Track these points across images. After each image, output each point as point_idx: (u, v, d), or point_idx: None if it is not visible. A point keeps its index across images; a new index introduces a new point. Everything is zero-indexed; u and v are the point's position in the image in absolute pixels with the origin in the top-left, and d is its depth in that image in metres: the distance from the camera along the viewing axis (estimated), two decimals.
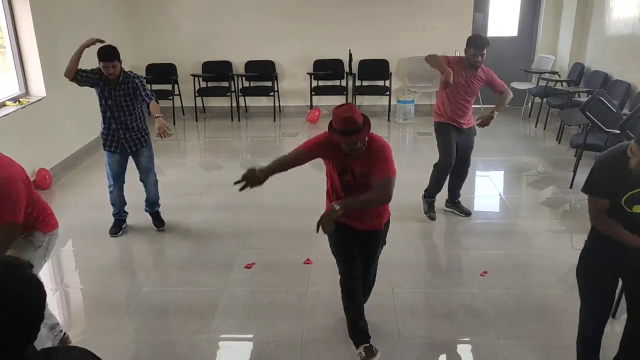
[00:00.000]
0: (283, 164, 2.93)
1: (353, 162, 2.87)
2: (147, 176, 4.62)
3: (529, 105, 8.31)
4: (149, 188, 4.67)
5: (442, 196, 4.99)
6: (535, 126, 7.82)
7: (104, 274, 4.16)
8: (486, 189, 5.87)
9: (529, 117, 8.18)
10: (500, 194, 5.64)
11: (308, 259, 4.17)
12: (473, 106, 4.79)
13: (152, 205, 4.75)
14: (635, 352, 2.78)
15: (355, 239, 3.05)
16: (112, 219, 4.69)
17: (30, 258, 2.88)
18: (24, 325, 1.28)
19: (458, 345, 3.33)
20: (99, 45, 4.23)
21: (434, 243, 4.70)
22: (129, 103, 4.31)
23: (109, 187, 4.60)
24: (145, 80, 4.44)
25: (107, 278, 4.11)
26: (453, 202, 4.99)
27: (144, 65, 8.42)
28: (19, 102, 5.68)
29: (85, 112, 6.67)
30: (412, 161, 6.10)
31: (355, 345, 3.04)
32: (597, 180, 2.50)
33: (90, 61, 4.24)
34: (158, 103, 4.35)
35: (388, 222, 3.14)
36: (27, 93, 5.97)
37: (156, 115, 4.17)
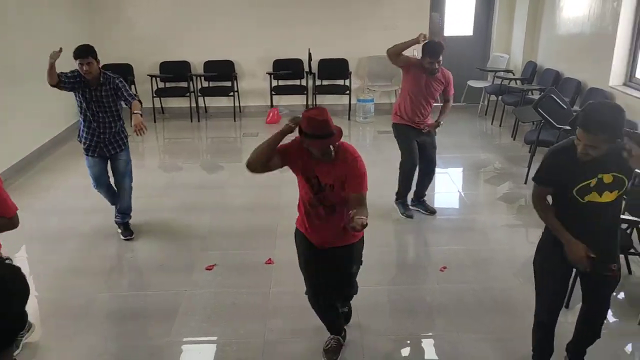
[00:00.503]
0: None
1: (319, 170, 2.72)
2: (123, 180, 4.52)
3: (485, 103, 8.50)
4: (123, 195, 4.56)
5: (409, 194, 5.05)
6: (492, 123, 8.01)
7: (60, 279, 4.05)
8: (445, 186, 5.97)
9: (485, 114, 8.37)
10: (459, 191, 5.75)
11: (270, 259, 4.16)
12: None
13: (123, 215, 4.62)
14: (587, 338, 2.90)
15: (324, 253, 2.88)
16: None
17: None
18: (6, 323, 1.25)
19: (420, 340, 3.38)
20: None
21: (396, 240, 4.75)
22: (111, 104, 4.24)
23: (96, 189, 4.55)
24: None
25: (63, 283, 4.00)
26: (419, 200, 5.06)
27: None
28: None
29: (38, 113, 6.50)
30: (372, 159, 6.10)
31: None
32: (546, 170, 2.61)
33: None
34: (141, 103, 4.31)
35: (362, 239, 2.95)
36: None
37: (135, 112, 4.09)
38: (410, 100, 4.65)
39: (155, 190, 5.66)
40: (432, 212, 4.99)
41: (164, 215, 5.07)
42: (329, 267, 2.91)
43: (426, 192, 5.06)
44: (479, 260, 4.22)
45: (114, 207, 4.64)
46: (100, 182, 4.51)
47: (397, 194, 4.99)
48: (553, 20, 7.44)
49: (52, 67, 4.02)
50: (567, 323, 3.23)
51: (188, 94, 8.28)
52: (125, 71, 8.19)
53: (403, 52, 4.56)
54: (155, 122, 8.31)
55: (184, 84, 8.33)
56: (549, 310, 2.85)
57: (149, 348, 3.26)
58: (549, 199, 2.72)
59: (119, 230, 4.61)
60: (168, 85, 8.42)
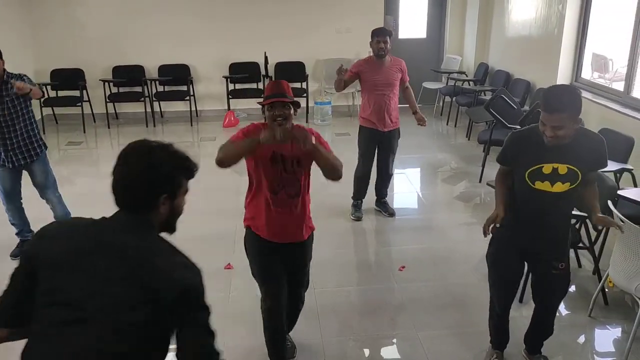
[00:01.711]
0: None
1: (282, 147, 2.66)
2: (45, 193, 4.23)
3: (440, 104, 8.67)
4: (53, 205, 4.29)
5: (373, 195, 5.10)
6: (447, 124, 8.16)
7: None
8: (403, 186, 6.05)
9: (441, 115, 8.53)
10: (417, 191, 5.83)
11: (229, 264, 4.12)
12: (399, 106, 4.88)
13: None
14: (540, 332, 3.00)
15: (278, 254, 2.81)
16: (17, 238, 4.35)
17: None
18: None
19: (380, 341, 3.40)
20: None
21: (355, 241, 4.78)
22: (16, 105, 3.90)
23: (4, 205, 4.19)
24: (28, 79, 3.93)
25: None
26: (380, 201, 5.11)
27: (47, 70, 7.99)
28: None
29: None
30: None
31: None
32: (504, 149, 2.76)
33: None
34: (43, 95, 4.06)
35: (312, 235, 2.94)
36: None
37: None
38: (368, 96, 4.68)
39: (110, 199, 5.50)
40: (391, 213, 5.03)
41: None
42: (285, 267, 2.84)
43: (387, 193, 5.11)
44: (437, 258, 4.29)
45: (13, 225, 4.29)
46: (12, 198, 4.15)
47: (352, 195, 5.05)
48: (502, 22, 7.65)
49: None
50: (522, 317, 3.32)
51: (143, 99, 8.13)
52: (76, 76, 7.99)
53: (343, 82, 4.61)
54: (109, 127, 8.12)
55: (138, 89, 8.16)
56: (501, 301, 2.95)
57: None
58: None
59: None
60: (122, 90, 8.24)
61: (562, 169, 2.57)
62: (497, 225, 2.71)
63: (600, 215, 2.65)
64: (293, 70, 8.38)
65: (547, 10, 6.36)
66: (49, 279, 1.50)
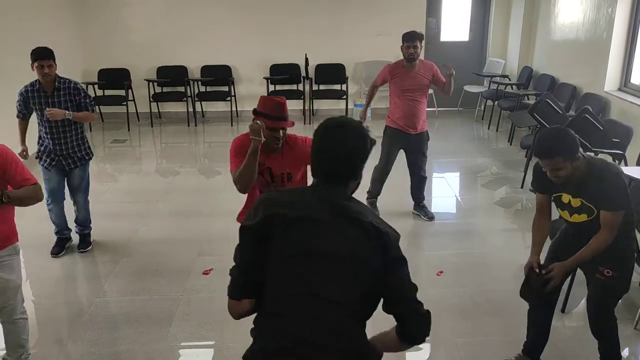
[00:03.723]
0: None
1: (270, 161, 2.80)
2: (76, 195, 4.35)
3: (482, 108, 8.53)
4: (78, 208, 4.42)
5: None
6: (488, 128, 8.03)
7: (56, 284, 4.04)
8: (442, 190, 5.99)
9: (482, 119, 8.40)
10: (455, 195, 5.76)
11: None
12: (427, 109, 4.87)
13: (81, 226, 4.50)
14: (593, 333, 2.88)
15: None
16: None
17: (19, 266, 2.88)
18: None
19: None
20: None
21: None
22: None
23: (47, 204, 4.29)
24: (86, 86, 4.16)
25: (59, 289, 3.99)
26: (418, 205, 5.07)
27: (95, 70, 8.24)
28: None
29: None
30: (368, 165, 6.15)
31: None
32: (534, 176, 2.76)
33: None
34: (94, 116, 4.30)
35: None
36: None
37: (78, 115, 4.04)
38: (398, 100, 4.69)
39: (151, 195, 5.65)
40: (430, 217, 4.98)
41: (160, 220, 5.06)
42: None
43: (424, 196, 5.06)
44: (475, 264, 4.22)
45: (53, 224, 4.41)
46: (56, 199, 4.27)
47: (367, 192, 5.04)
48: (548, 25, 7.48)
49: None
50: (563, 327, 3.24)
51: (185, 99, 8.29)
52: (122, 76, 8.22)
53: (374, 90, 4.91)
54: (152, 126, 8.31)
55: (181, 89, 8.33)
56: (540, 307, 2.88)
57: (145, 353, 3.26)
58: None
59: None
60: (165, 90, 8.42)
61: (575, 202, 2.58)
62: (536, 270, 2.65)
63: (559, 265, 2.59)
64: (333, 72, 8.40)
65: (596, 13, 6.18)
66: None
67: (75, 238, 4.56)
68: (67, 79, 4.08)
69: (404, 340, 1.73)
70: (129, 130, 8.11)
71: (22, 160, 2.84)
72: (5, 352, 2.95)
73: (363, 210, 1.74)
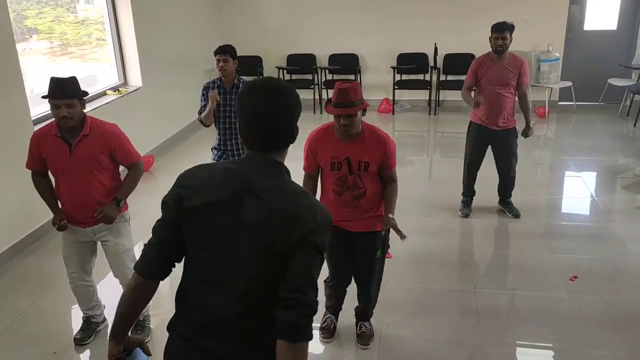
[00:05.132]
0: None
1: (348, 149, 2.79)
2: None
3: (628, 103, 7.81)
4: None
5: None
6: (634, 125, 7.34)
7: None
8: (577, 190, 5.60)
9: (627, 115, 7.69)
10: (592, 196, 5.35)
11: None
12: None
13: None
14: None
15: (350, 241, 2.91)
16: None
17: (128, 232, 3.13)
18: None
19: (542, 351, 3.22)
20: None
21: (514, 243, 4.53)
22: None
23: None
24: None
25: None
26: (503, 201, 4.87)
27: None
28: (119, 91, 6.04)
29: (177, 101, 7.01)
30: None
31: None
32: None
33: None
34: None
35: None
36: (125, 83, 6.34)
37: None
38: (482, 94, 4.50)
39: None
40: (516, 215, 4.75)
41: None
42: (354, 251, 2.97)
43: (510, 194, 4.82)
44: (614, 271, 3.92)
45: None
46: None
47: (462, 192, 4.94)
48: None
49: (211, 111, 3.94)
50: None
51: (312, 87, 8.49)
52: (255, 63, 8.60)
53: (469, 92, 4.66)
54: None
55: (309, 77, 8.54)
56: None
57: None
58: None
59: None
60: (294, 77, 8.69)
61: None
62: None
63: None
64: (461, 62, 8.11)
65: None
66: None
67: None
68: (246, 80, 4.08)
69: (281, 332, 1.48)
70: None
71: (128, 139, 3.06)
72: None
73: (284, 189, 1.58)
